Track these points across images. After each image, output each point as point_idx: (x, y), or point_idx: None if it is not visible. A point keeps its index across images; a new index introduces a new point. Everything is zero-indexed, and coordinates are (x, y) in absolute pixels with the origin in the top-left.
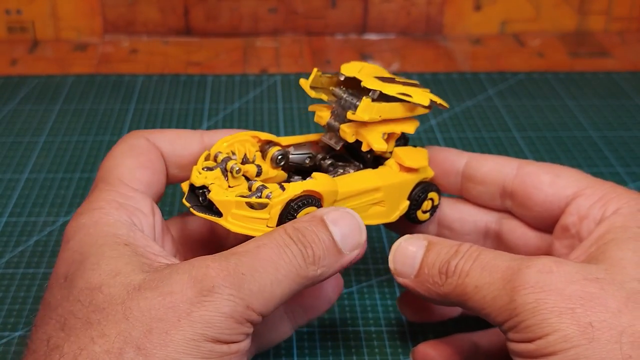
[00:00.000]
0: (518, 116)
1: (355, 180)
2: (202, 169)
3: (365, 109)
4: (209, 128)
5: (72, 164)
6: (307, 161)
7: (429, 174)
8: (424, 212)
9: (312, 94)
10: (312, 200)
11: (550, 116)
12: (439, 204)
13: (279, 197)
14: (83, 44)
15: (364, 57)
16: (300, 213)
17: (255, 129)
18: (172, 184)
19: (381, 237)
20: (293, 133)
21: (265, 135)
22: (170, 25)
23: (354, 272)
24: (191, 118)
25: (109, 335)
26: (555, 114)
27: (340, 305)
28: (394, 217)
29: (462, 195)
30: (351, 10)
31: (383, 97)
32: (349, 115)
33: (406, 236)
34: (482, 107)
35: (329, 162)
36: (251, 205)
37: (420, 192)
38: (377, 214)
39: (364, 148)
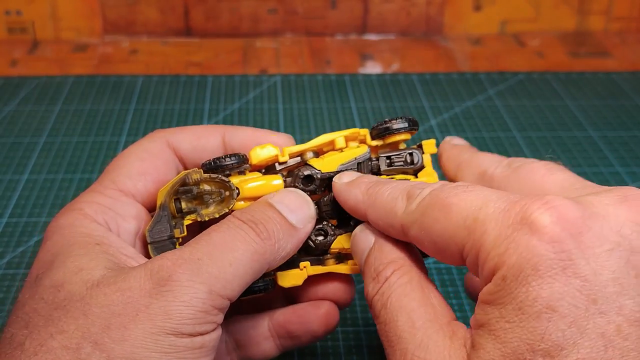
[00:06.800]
0: (518, 116)
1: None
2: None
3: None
4: None
5: (72, 164)
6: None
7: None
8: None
9: None
10: None
11: (550, 116)
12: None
13: None
14: (83, 45)
15: (364, 57)
16: None
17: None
18: None
19: None
20: (293, 134)
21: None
22: (170, 26)
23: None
24: (191, 118)
25: (68, 331)
26: (555, 114)
27: None
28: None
29: None
30: (351, 10)
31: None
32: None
33: (362, 226)
34: (482, 107)
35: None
36: None
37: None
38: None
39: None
